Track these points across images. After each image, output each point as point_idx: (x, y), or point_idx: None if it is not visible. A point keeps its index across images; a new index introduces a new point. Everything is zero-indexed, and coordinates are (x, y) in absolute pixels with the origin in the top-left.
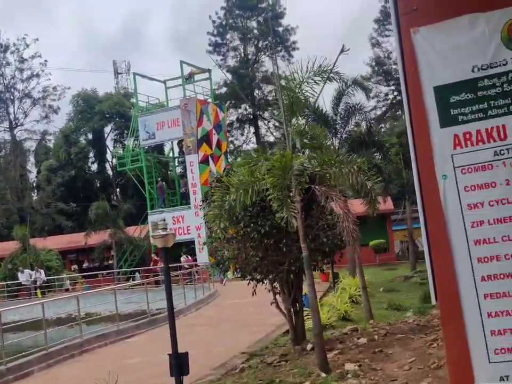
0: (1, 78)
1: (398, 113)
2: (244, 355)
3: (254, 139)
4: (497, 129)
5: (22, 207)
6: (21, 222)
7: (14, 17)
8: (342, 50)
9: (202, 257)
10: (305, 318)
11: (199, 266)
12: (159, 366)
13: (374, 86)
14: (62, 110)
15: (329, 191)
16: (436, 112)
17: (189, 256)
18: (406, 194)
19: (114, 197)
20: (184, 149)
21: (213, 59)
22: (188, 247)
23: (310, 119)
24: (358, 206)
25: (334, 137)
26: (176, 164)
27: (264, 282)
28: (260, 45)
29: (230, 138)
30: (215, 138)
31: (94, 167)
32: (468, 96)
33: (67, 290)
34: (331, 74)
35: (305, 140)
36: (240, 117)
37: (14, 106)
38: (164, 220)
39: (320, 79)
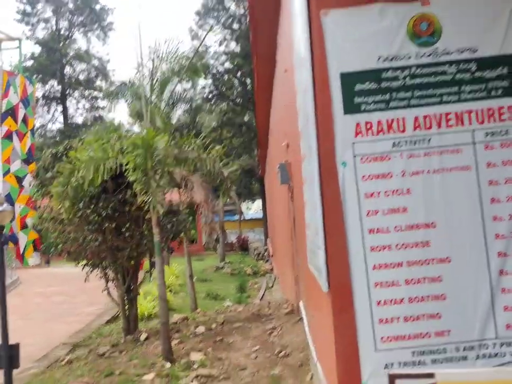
0: None
1: (213, 107)
2: (66, 346)
3: (61, 118)
4: (398, 121)
5: None
6: None
7: None
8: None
9: None
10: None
11: None
12: None
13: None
14: None
15: (189, 175)
16: (341, 98)
17: None
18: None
19: None
20: None
21: (21, 29)
22: None
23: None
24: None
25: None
26: None
27: (101, 269)
28: (74, 21)
29: (35, 116)
30: (21, 113)
31: None
32: (372, 86)
33: None
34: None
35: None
36: (47, 93)
37: None
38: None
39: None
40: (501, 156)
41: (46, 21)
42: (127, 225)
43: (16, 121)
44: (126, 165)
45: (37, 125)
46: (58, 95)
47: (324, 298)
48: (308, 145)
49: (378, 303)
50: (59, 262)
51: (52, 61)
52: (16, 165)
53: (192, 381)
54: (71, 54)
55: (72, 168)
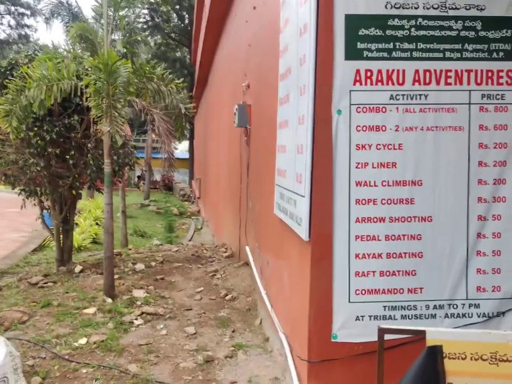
0: None
1: (149, 38)
2: None
3: None
4: (397, 72)
5: None
6: None
7: None
8: None
9: None
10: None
11: None
12: None
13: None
14: None
15: (150, 107)
16: (343, 42)
17: None
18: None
19: None
20: None
21: None
22: None
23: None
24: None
25: None
26: None
27: (37, 196)
28: None
29: None
30: None
31: None
32: (376, 32)
33: None
34: None
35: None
36: None
37: None
38: None
39: None
40: (494, 120)
41: None
42: (72, 153)
43: None
44: (83, 88)
45: None
46: None
47: (301, 247)
48: (297, 88)
49: (357, 256)
50: None
51: None
52: None
53: (136, 319)
54: None
55: (22, 86)
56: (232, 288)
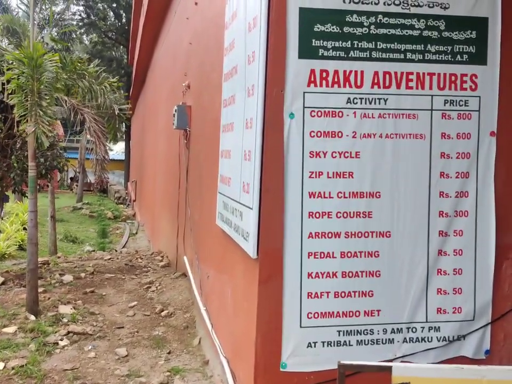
0: None
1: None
2: None
3: None
4: (355, 74)
5: None
6: None
7: None
8: None
9: None
10: None
11: None
12: None
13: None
14: None
15: (81, 106)
16: (297, 39)
17: None
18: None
19: None
20: None
21: None
22: None
23: None
24: None
25: None
26: None
27: None
28: None
29: None
30: None
31: None
32: (333, 29)
33: None
34: None
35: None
36: None
37: None
38: None
39: None
40: (457, 128)
41: None
42: None
43: None
44: (4, 84)
45: None
46: None
47: (247, 264)
48: (244, 88)
49: (310, 275)
50: None
51: None
52: None
53: (62, 339)
54: None
55: None
56: (169, 303)
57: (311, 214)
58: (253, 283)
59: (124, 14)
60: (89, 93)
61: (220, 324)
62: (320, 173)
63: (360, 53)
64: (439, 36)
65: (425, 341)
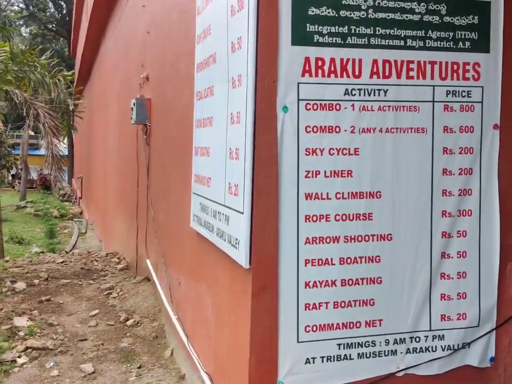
0: None
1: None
2: None
3: None
4: (353, 62)
5: None
6: None
7: None
8: None
9: None
10: None
11: None
12: None
13: None
14: None
15: (33, 100)
16: (290, 23)
17: None
18: (27, 116)
19: None
20: None
21: None
22: None
23: None
24: None
25: None
26: None
27: None
28: None
29: None
30: None
31: None
32: (329, 12)
33: None
34: None
35: None
36: None
37: None
38: None
39: None
40: (459, 121)
41: None
42: None
43: None
44: None
45: None
46: None
47: (236, 273)
48: (226, 79)
49: (307, 284)
50: None
51: None
52: None
53: (20, 356)
54: None
55: None
56: (133, 310)
57: (307, 217)
58: (243, 295)
59: (65, 5)
60: (41, 86)
61: (197, 335)
62: (317, 172)
63: (358, 39)
64: (440, 21)
65: (429, 351)
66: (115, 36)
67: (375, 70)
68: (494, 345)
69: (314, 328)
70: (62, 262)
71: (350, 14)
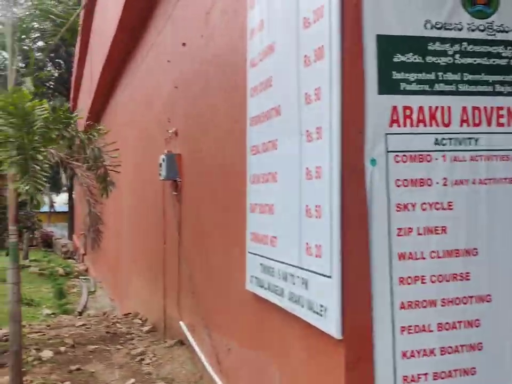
0: None
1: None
2: None
3: None
4: (442, 110)
5: None
6: None
7: None
8: None
9: None
10: None
11: None
12: None
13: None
14: None
15: (69, 159)
16: (376, 71)
17: None
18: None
19: None
20: None
21: None
22: None
23: None
24: None
25: None
26: None
27: None
28: None
29: None
30: None
31: None
32: (415, 59)
33: None
34: None
35: None
36: None
37: None
38: None
39: None
40: None
41: None
42: None
43: None
44: None
45: None
46: None
47: (321, 344)
48: (298, 132)
49: (404, 354)
50: None
51: None
52: None
53: None
54: None
55: None
56: (172, 378)
57: (401, 279)
58: (333, 368)
59: (64, 64)
60: (74, 143)
61: None
62: (410, 230)
63: (446, 86)
64: None
65: None
66: (130, 90)
67: (464, 118)
68: None
69: None
70: (82, 325)
71: (437, 60)
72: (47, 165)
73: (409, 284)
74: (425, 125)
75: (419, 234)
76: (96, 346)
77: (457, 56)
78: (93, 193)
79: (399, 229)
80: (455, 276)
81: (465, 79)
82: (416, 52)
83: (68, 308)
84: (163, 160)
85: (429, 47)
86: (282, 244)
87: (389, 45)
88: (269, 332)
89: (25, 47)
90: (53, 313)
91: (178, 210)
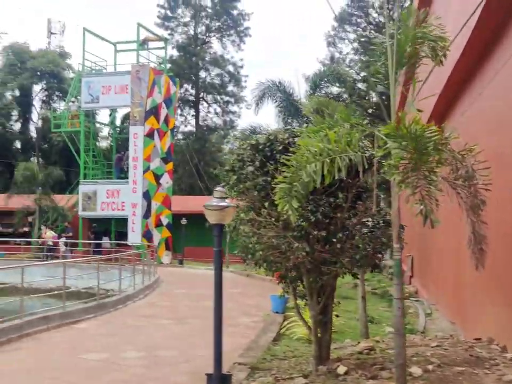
0: None
1: None
2: (242, 367)
3: (193, 121)
4: None
5: None
6: None
7: None
8: None
9: (134, 237)
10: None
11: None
12: (127, 369)
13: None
14: None
15: (450, 179)
16: None
17: (53, 231)
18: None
19: (36, 161)
20: (130, 119)
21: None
22: (119, 223)
23: None
24: None
25: None
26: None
27: (288, 282)
28: (211, 26)
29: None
30: (163, 112)
31: (17, 126)
32: None
33: None
34: None
35: None
36: (181, 96)
37: None
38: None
39: None
40: None
41: (185, 25)
42: (339, 235)
43: (158, 120)
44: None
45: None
46: (192, 98)
47: None
48: None
49: None
50: (192, 262)
51: (188, 65)
52: (155, 163)
53: None
54: (206, 59)
55: (300, 161)
56: None
57: None
58: None
59: (384, 90)
60: (454, 160)
61: None
62: None
63: None
64: None
65: None
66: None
67: None
68: None
69: None
70: (437, 345)
71: None
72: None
73: None
74: None
75: None
76: (463, 368)
77: None
78: (476, 213)
79: None
80: None
81: None
82: None
83: (413, 328)
84: None
85: None
86: None
87: None
88: None
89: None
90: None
91: None
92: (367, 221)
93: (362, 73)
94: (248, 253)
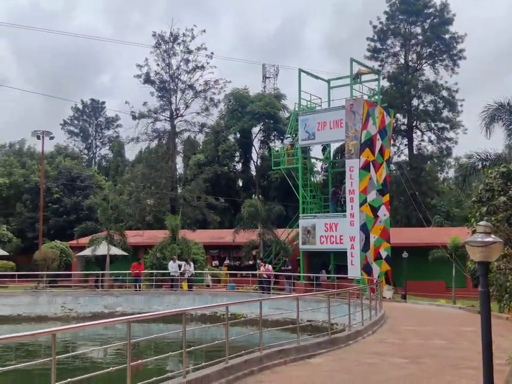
0: (168, 68)
1: None
2: None
3: (406, 151)
4: None
5: (175, 197)
6: (172, 212)
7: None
8: None
9: (353, 270)
10: None
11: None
12: None
13: None
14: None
15: None
16: None
17: (268, 265)
18: None
19: (256, 198)
20: (345, 152)
21: (370, 66)
22: (338, 257)
23: None
24: None
25: None
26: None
27: None
28: (422, 52)
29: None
30: (378, 144)
31: (239, 166)
32: None
33: (208, 286)
34: None
35: None
36: (393, 126)
37: (176, 97)
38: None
39: None
40: None
41: (395, 55)
42: None
43: (373, 152)
44: None
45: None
46: (404, 127)
47: None
48: None
49: None
50: (414, 297)
51: (400, 94)
52: (372, 196)
53: None
54: (419, 86)
55: None
56: None
57: None
58: None
59: None
60: None
61: None
62: None
63: None
64: None
65: None
66: None
67: None
68: None
69: None
70: None
71: None
72: None
73: None
74: None
75: None
76: None
77: None
78: None
79: None
80: None
81: None
82: None
83: None
84: None
85: None
86: None
87: None
88: None
89: None
90: None
91: None
92: None
93: None
94: (504, 291)
